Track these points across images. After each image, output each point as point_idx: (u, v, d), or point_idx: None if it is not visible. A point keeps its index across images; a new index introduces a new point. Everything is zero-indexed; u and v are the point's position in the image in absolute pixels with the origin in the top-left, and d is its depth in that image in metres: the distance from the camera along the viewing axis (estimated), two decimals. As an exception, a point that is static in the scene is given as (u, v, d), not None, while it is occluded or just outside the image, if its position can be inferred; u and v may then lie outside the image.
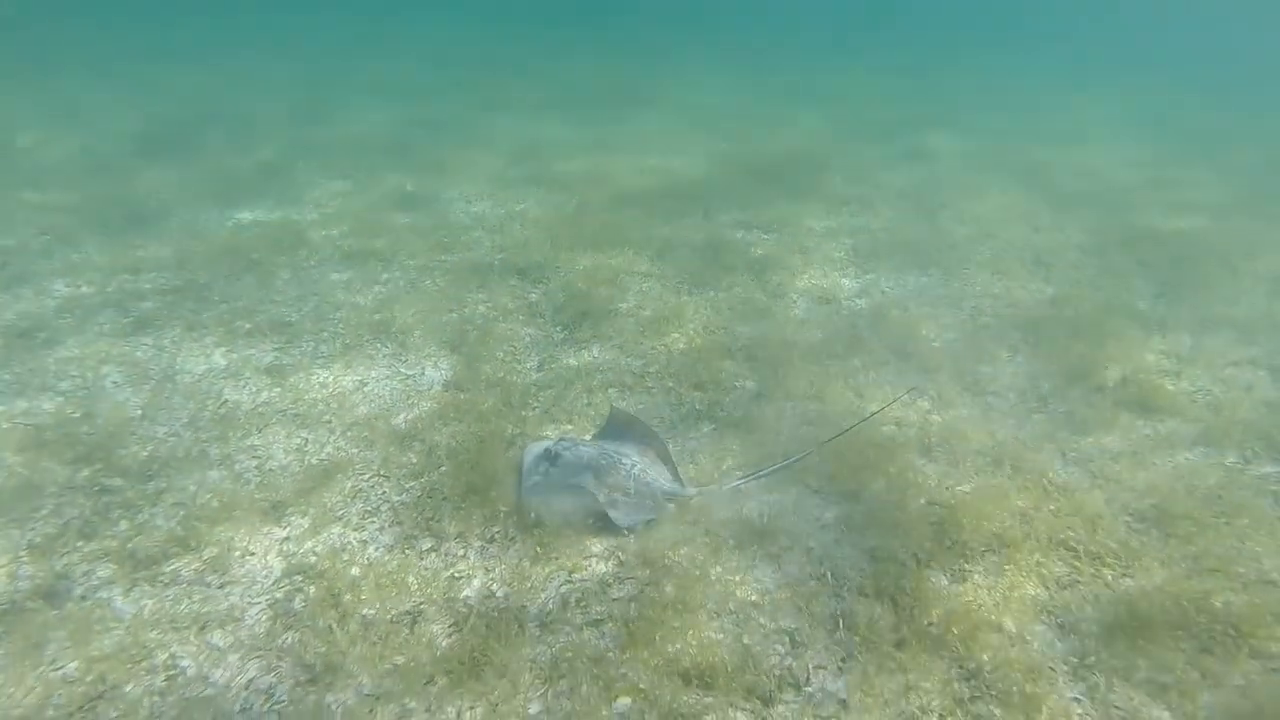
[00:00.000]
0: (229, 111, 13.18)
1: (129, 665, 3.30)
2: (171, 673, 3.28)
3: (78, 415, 4.98)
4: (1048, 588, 3.81)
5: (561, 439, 4.53)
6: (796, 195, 9.87)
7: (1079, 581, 3.85)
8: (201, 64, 17.31)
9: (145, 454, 4.64)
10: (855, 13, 33.63)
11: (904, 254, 8.15)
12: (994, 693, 3.22)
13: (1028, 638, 3.52)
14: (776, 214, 9.12)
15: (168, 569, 3.83)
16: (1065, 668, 3.37)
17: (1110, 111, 16.79)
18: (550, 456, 4.31)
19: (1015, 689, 3.22)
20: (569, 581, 3.82)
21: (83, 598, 3.66)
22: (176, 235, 7.99)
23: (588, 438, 4.78)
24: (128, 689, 3.19)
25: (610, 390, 5.46)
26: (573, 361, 5.84)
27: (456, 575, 3.83)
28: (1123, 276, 7.72)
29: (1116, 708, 3.19)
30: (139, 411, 5.07)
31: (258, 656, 3.37)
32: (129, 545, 3.94)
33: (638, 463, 4.42)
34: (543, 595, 3.73)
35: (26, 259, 7.26)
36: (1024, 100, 17.88)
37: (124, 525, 4.09)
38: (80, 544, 3.96)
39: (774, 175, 10.57)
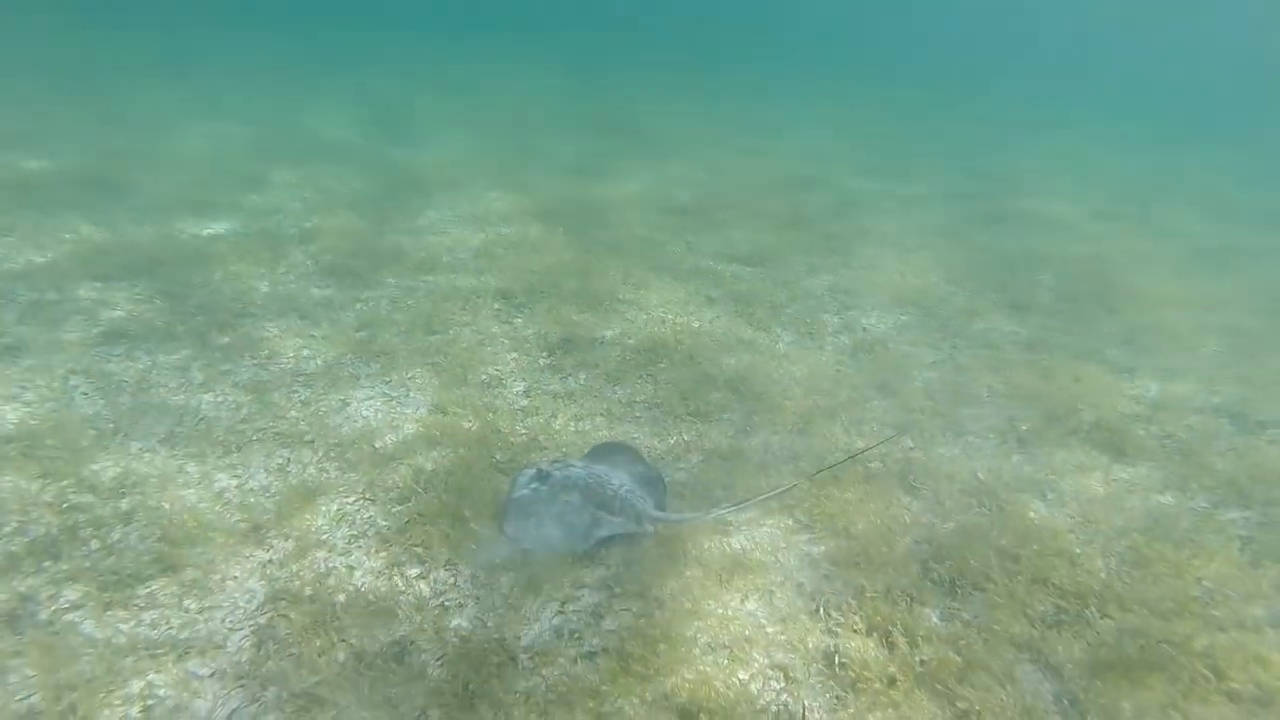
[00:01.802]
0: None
1: (101, 694, 3.13)
2: (148, 702, 3.12)
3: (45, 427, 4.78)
4: (1035, 626, 3.87)
5: (554, 460, 4.53)
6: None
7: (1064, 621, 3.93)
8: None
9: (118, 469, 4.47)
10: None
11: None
12: (987, 732, 3.26)
13: (1016, 676, 3.57)
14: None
15: (142, 592, 3.67)
16: (1055, 709, 3.42)
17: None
18: (541, 476, 4.33)
19: (1008, 728, 3.27)
20: (561, 612, 3.76)
21: (49, 622, 3.48)
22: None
23: (578, 459, 4.76)
24: (100, 720, 3.03)
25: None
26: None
27: (446, 604, 3.74)
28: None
29: (1106, 748, 3.25)
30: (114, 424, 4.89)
31: (241, 686, 3.23)
32: (100, 566, 3.77)
33: (624, 483, 4.43)
34: (535, 626, 3.66)
35: None
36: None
37: (95, 545, 3.92)
38: (47, 564, 3.78)
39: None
